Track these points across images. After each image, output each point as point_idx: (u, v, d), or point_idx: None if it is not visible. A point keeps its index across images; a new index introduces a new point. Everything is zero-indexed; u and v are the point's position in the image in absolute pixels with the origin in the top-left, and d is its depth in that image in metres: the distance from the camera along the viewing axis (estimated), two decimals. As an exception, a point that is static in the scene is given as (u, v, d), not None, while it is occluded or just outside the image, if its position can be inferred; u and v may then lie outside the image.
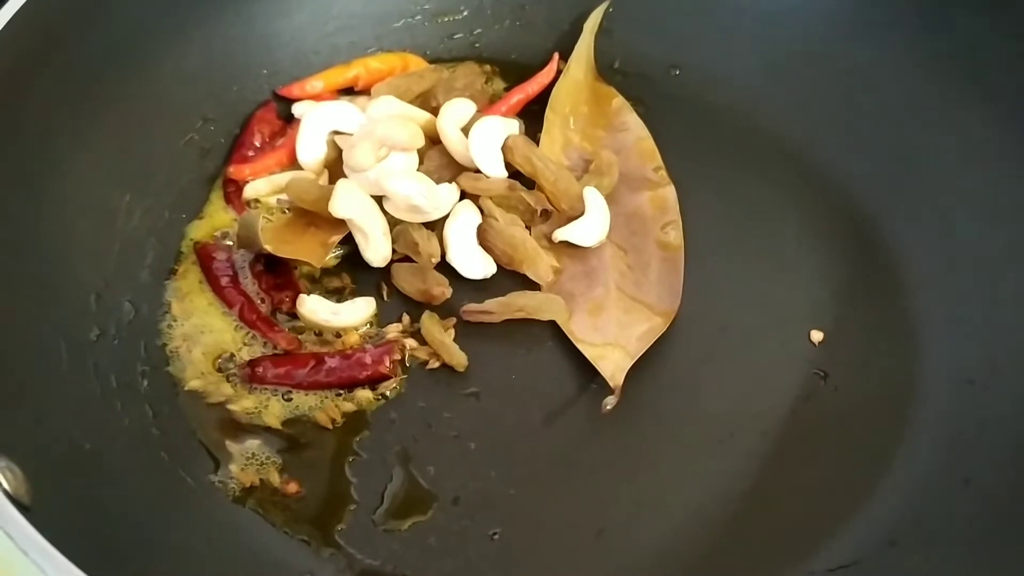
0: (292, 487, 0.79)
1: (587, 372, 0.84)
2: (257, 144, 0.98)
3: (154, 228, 0.90)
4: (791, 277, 0.90)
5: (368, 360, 0.83)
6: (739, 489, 0.80)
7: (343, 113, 0.94)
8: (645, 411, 0.83)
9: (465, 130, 0.93)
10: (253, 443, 0.81)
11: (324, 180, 0.94)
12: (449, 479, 0.80)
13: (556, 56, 1.03)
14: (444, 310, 0.88)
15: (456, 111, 0.93)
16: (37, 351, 0.76)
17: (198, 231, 0.92)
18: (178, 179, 0.94)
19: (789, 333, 0.87)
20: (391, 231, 0.89)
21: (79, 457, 0.74)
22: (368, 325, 0.87)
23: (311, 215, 0.90)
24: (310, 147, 0.94)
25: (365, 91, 1.01)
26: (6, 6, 0.80)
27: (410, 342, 0.85)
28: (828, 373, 0.85)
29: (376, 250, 0.88)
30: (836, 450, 0.81)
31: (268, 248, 0.85)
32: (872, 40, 0.97)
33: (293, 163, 0.96)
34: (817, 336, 0.87)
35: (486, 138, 0.91)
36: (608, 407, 0.80)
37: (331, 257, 0.91)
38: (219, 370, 0.84)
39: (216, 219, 0.93)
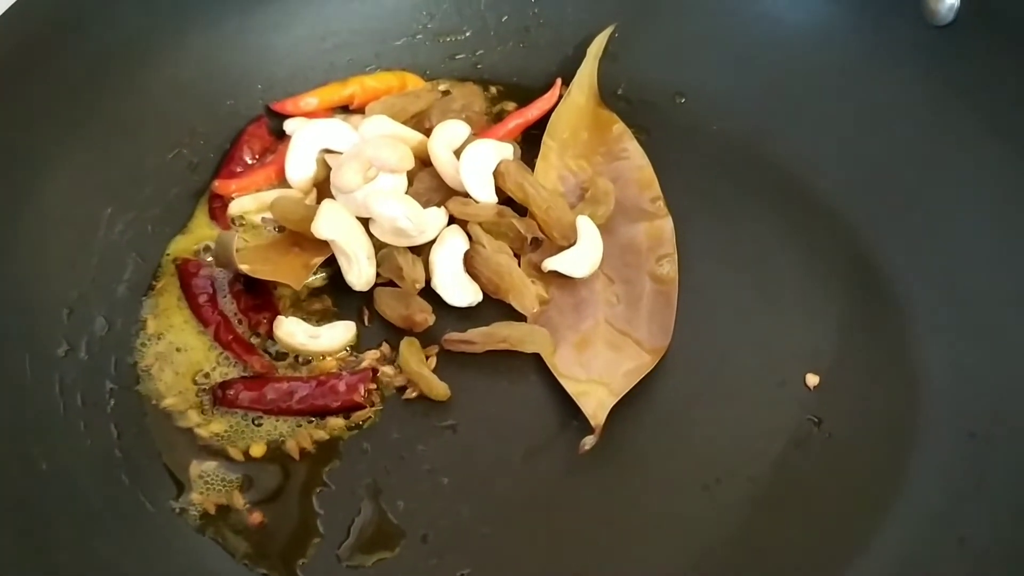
0: (256, 517, 0.76)
1: (570, 408, 0.81)
2: (247, 160, 0.95)
3: (135, 242, 0.88)
4: (788, 317, 0.87)
5: (341, 388, 0.80)
6: (724, 537, 0.76)
7: (335, 131, 0.92)
8: (628, 451, 0.79)
9: (459, 153, 0.90)
10: (219, 469, 0.78)
11: (312, 199, 0.92)
12: (419, 515, 0.76)
13: (559, 82, 1.00)
14: (426, 338, 0.85)
15: (448, 133, 0.90)
16: (-2, 364, 0.74)
17: (179, 246, 0.90)
18: (164, 193, 0.92)
19: (783, 375, 0.83)
20: (376, 254, 0.87)
21: (33, 478, 0.71)
22: (346, 351, 0.84)
23: (296, 235, 0.88)
24: (299, 165, 0.92)
25: (360, 110, 0.98)
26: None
27: (387, 370, 0.82)
28: (822, 419, 0.81)
29: (359, 274, 0.86)
30: (827, 501, 0.77)
31: (244, 269, 0.83)
32: (884, 74, 0.93)
33: (282, 181, 0.93)
34: (813, 380, 0.83)
35: (477, 162, 0.88)
36: (586, 447, 0.77)
37: (316, 279, 0.88)
38: (195, 383, 0.82)
39: (199, 234, 0.91)
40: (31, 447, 0.72)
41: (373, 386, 0.81)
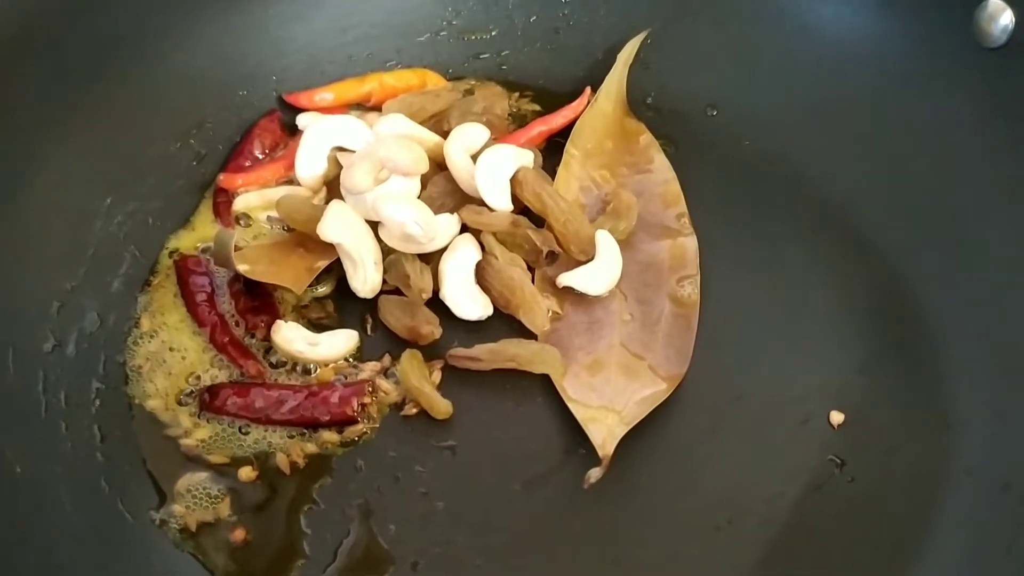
0: (239, 534, 0.72)
1: (577, 435, 0.77)
2: (256, 154, 0.92)
3: (134, 235, 0.85)
4: (815, 349, 0.82)
5: (334, 400, 0.76)
6: (733, 582, 0.71)
7: (349, 129, 0.88)
8: (637, 486, 0.75)
9: (476, 158, 0.85)
10: (204, 479, 0.74)
11: (321, 199, 0.88)
12: (411, 541, 0.72)
13: (588, 90, 0.96)
14: (431, 351, 0.81)
15: (466, 136, 0.86)
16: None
17: (181, 241, 0.86)
18: (167, 185, 0.88)
19: (806, 412, 0.79)
20: (384, 261, 0.82)
21: (6, 482, 0.68)
22: (346, 360, 0.80)
23: (302, 236, 0.84)
24: (310, 162, 0.88)
25: (377, 107, 0.94)
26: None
27: (385, 384, 0.78)
28: (845, 461, 0.76)
29: (364, 280, 0.82)
30: (845, 550, 0.73)
31: (242, 270, 0.79)
32: (929, 96, 0.88)
33: (291, 177, 0.89)
34: (837, 418, 0.78)
35: (494, 168, 0.84)
36: (592, 479, 0.72)
37: (321, 288, 0.84)
38: (187, 383, 0.78)
39: (202, 231, 0.87)
40: (6, 449, 0.69)
41: (368, 400, 0.77)
